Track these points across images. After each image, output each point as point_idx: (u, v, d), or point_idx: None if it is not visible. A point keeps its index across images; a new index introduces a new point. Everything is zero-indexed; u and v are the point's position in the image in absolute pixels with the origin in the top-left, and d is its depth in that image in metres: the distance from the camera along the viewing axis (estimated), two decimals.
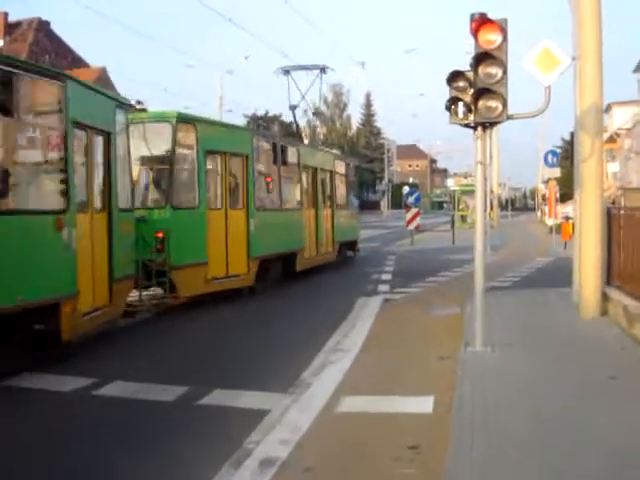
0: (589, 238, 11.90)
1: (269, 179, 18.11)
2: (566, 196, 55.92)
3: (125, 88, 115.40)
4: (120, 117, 11.97)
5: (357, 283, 18.66)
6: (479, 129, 9.45)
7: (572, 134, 14.12)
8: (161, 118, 14.68)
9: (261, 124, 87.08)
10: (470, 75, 9.24)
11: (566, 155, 49.47)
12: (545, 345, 9.85)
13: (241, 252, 15.92)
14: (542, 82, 9.39)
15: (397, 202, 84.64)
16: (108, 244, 11.05)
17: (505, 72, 9.10)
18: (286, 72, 23.36)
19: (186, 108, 69.26)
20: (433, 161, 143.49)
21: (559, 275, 19.31)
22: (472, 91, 9.21)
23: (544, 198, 78.47)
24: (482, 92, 9.18)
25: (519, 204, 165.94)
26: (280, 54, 43.43)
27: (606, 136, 70.25)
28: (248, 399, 7.70)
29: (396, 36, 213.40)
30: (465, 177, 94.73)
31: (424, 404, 7.13)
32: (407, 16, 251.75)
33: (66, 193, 9.54)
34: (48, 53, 50.28)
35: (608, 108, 70.64)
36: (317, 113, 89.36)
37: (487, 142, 9.51)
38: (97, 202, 10.89)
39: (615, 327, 10.90)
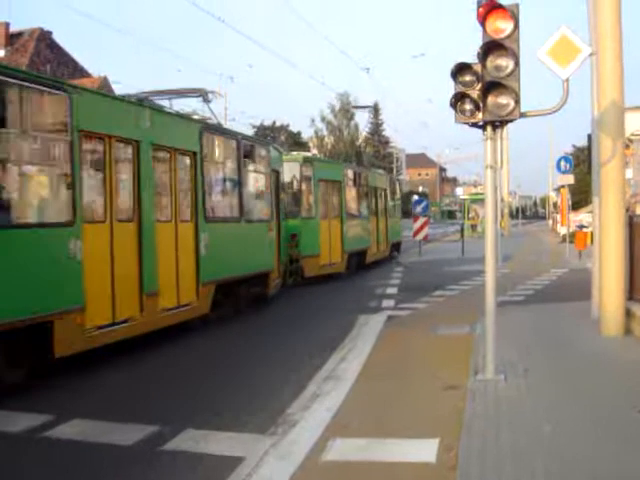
0: (611, 249, 10.81)
1: (349, 196, 25.20)
2: (578, 204, 54.91)
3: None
4: (207, 137, 13.63)
5: (360, 298, 17.57)
6: (488, 129, 8.37)
7: (589, 137, 13.02)
8: (292, 160, 21.67)
9: (268, 134, 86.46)
10: (478, 68, 8.19)
11: (577, 162, 48.44)
12: (565, 372, 8.75)
13: (337, 247, 22.99)
14: (560, 75, 8.33)
15: (406, 211, 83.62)
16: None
17: (517, 64, 8.04)
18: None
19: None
20: (442, 170, 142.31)
21: (575, 288, 18.23)
22: (480, 86, 8.17)
23: (555, 206, 77.45)
24: (491, 87, 8.12)
25: (529, 213, 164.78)
26: (286, 62, 42.52)
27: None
28: (221, 443, 6.60)
29: (403, 41, 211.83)
30: (474, 186, 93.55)
31: (426, 450, 6.01)
32: (414, 20, 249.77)
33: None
34: (50, 63, 49.45)
35: None
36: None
37: (497, 144, 8.43)
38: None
39: None
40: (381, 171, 32.87)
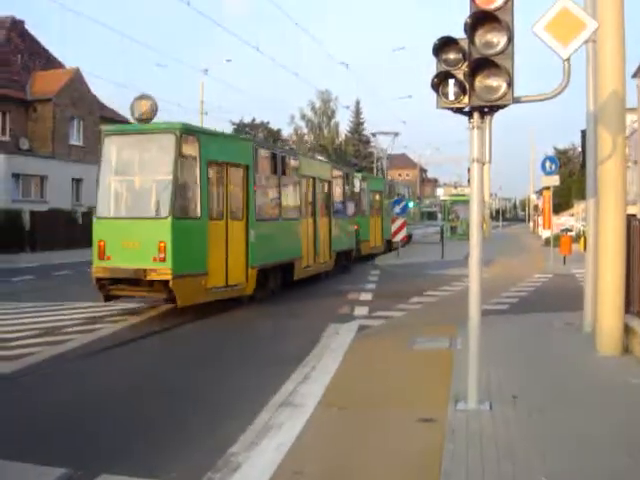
0: (609, 257, 9.61)
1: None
2: (560, 207, 53.85)
3: (100, 89, 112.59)
4: (249, 149, 16.84)
5: (332, 304, 16.25)
6: (475, 115, 7.13)
7: (583, 133, 11.85)
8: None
9: (247, 131, 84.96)
10: (465, 44, 6.96)
11: (560, 164, 47.35)
12: (560, 401, 7.52)
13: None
14: (560, 54, 7.09)
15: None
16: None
17: (511, 40, 6.82)
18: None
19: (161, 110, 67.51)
20: (423, 170, 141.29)
21: (563, 295, 17.14)
22: (467, 65, 6.93)
23: (536, 209, 76.62)
24: (480, 66, 6.88)
25: (509, 215, 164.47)
26: (264, 56, 41.09)
27: None
28: None
29: (382, 34, 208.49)
30: (455, 187, 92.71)
31: None
32: (393, 13, 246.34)
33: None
34: (21, 53, 47.77)
35: None
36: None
37: (486, 133, 7.18)
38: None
39: None
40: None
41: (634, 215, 12.54)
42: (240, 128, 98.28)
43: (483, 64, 6.85)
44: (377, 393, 8.09)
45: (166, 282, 13.48)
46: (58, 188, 43.63)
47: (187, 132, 14.47)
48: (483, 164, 7.17)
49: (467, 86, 6.92)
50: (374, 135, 39.30)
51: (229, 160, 15.64)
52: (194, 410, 7.89)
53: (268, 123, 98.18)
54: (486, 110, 7.11)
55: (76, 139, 46.98)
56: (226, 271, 15.24)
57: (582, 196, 64.88)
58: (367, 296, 17.44)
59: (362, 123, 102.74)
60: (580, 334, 11.25)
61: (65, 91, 45.79)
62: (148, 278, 13.64)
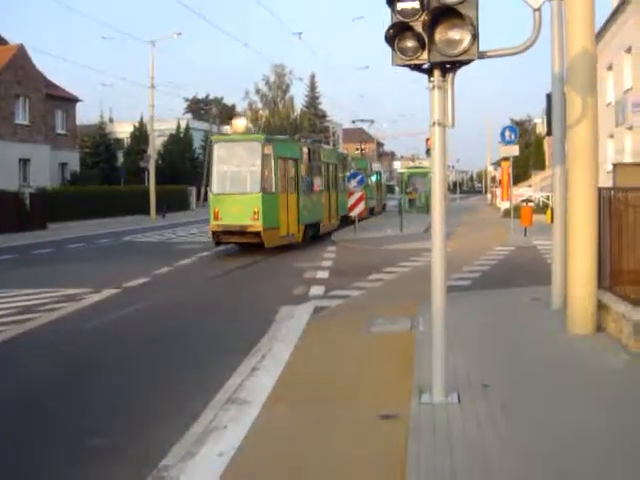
0: (579, 229, 8.93)
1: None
2: (517, 178, 53.52)
3: (46, 65, 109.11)
4: (300, 148, 25.86)
5: (285, 284, 15.42)
6: (436, 73, 6.31)
7: (549, 96, 11.10)
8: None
9: (202, 107, 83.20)
10: None
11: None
12: (534, 388, 6.82)
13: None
14: (531, 3, 6.31)
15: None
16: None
17: None
18: None
19: (106, 85, 63.77)
20: (380, 144, 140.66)
21: (526, 269, 16.57)
22: (426, 15, 6.10)
23: (493, 180, 76.35)
24: (440, 16, 6.07)
25: (466, 187, 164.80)
26: (216, 28, 39.87)
27: None
28: None
29: (341, 3, 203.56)
30: (412, 160, 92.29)
31: None
32: None
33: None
34: None
35: None
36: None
37: (448, 94, 6.38)
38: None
39: (622, 351, 7.96)
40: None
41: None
42: (193, 104, 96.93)
43: (444, 14, 6.03)
44: (332, 386, 7.31)
45: (258, 232, 21.68)
46: (3, 169, 42.03)
47: (266, 140, 23.06)
48: (445, 127, 6.38)
49: (426, 39, 6.10)
50: (353, 122, 48.57)
51: (288, 156, 24.30)
52: (122, 414, 7.03)
53: (222, 99, 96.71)
54: (448, 67, 6.30)
55: (22, 118, 45.29)
56: (288, 226, 23.46)
57: (540, 166, 64.84)
58: (323, 274, 16.64)
59: (317, 97, 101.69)
60: (549, 311, 10.59)
61: (8, 68, 44.07)
62: (248, 230, 21.82)
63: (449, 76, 6.35)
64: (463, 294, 12.64)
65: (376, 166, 49.85)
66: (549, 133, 11.26)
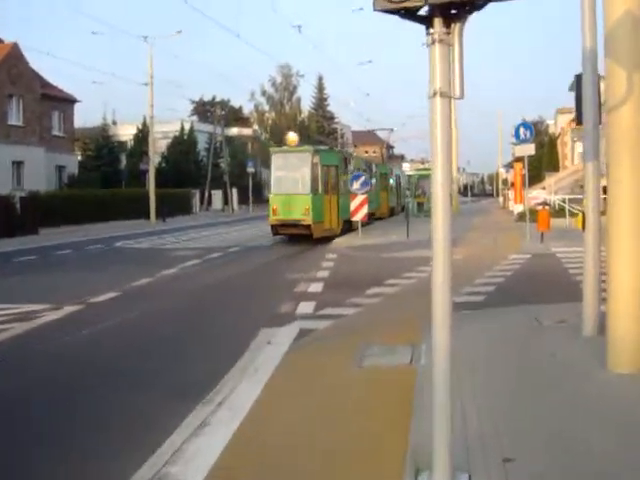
0: (629, 237, 7.02)
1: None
2: (530, 180, 51.42)
3: (41, 63, 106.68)
4: (341, 158, 31.82)
5: (271, 299, 13.47)
6: (437, 23, 4.41)
7: (578, 78, 9.19)
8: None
9: (208, 109, 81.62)
10: None
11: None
12: (575, 465, 4.91)
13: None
14: None
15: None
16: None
17: None
18: None
19: (96, 82, 62.10)
20: (390, 147, 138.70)
21: (547, 281, 14.68)
22: None
23: (505, 183, 74.32)
24: None
25: (477, 190, 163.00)
26: (215, 24, 38.00)
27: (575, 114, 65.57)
28: None
29: None
30: (422, 163, 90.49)
31: None
32: None
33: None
34: None
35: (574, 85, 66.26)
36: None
37: (455, 50, 4.49)
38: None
39: None
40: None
41: None
42: (199, 106, 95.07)
43: None
44: (298, 454, 5.41)
45: (308, 225, 26.71)
46: None
47: (314, 151, 28.28)
48: (450, 99, 4.50)
49: None
50: (373, 131, 51.61)
51: (331, 164, 29.42)
52: None
53: (229, 101, 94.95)
54: (453, 12, 4.41)
55: (15, 119, 43.70)
56: (330, 220, 28.43)
57: (553, 168, 62.92)
58: (317, 287, 14.69)
59: (326, 99, 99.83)
60: (579, 338, 8.67)
61: (2, 68, 42.47)
62: (300, 224, 26.80)
63: (455, 27, 4.45)
64: (476, 313, 10.74)
65: (396, 170, 54.85)
66: (579, 122, 9.33)
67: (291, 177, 27.62)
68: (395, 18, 4.48)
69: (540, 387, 6.77)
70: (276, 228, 27.74)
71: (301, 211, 26.67)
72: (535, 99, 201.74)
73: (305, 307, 12.28)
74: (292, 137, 29.60)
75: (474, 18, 4.47)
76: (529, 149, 23.18)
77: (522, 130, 23.23)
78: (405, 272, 16.45)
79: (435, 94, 4.42)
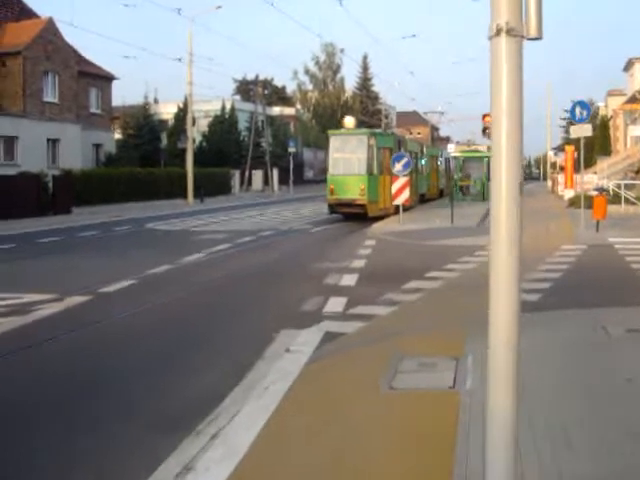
0: None
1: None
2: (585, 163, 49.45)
3: (76, 39, 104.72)
4: (395, 140, 33.12)
5: (296, 293, 12.04)
6: None
7: None
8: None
9: (251, 88, 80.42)
10: None
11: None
12: None
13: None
14: None
15: None
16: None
17: None
18: None
19: (129, 57, 61.33)
20: (435, 129, 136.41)
21: (606, 276, 13.07)
22: None
23: (554, 166, 71.87)
24: None
25: (524, 173, 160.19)
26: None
27: (628, 96, 63.33)
28: None
29: None
30: (468, 145, 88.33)
31: None
32: None
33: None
34: None
35: (629, 65, 63.80)
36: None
37: None
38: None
39: None
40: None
41: None
42: (243, 85, 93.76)
43: None
44: None
45: (363, 205, 27.83)
46: (31, 150, 39.50)
47: (370, 134, 29.74)
48: (521, 39, 3.03)
49: None
50: (425, 113, 59.48)
51: (386, 145, 30.48)
52: None
53: (272, 80, 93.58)
54: None
55: (51, 95, 42.76)
56: (384, 201, 28.96)
57: (605, 152, 60.56)
58: (350, 279, 13.21)
59: (370, 79, 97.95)
60: None
61: (36, 43, 41.52)
62: (355, 203, 27.88)
63: None
64: (532, 318, 9.22)
65: (446, 153, 54.93)
66: None
67: (348, 159, 28.85)
68: None
69: (623, 433, 5.25)
70: (333, 207, 29.00)
71: (357, 191, 27.76)
72: (583, 80, 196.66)
73: (334, 304, 10.82)
74: (349, 121, 30.83)
75: None
76: (586, 130, 21.42)
77: (578, 109, 21.43)
78: (448, 263, 14.92)
79: (499, 32, 2.96)
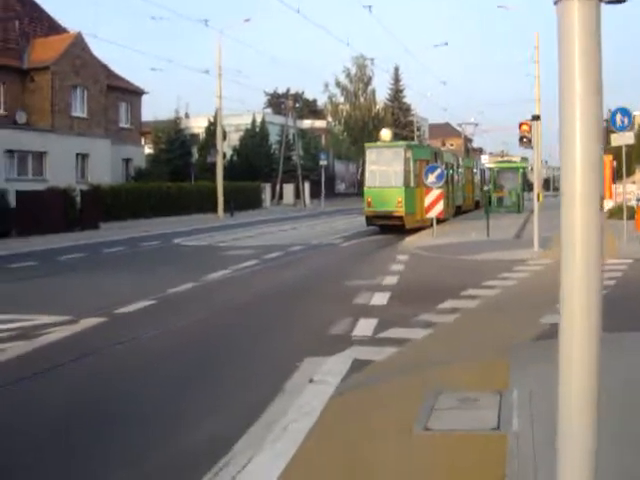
0: None
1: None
2: (618, 173, 48.12)
3: (105, 53, 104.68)
4: (432, 152, 33.59)
5: (323, 315, 11.24)
6: None
7: None
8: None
9: (282, 102, 79.98)
10: None
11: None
12: None
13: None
14: None
15: None
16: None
17: None
18: None
19: (156, 70, 60.57)
20: (468, 140, 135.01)
21: None
22: None
23: None
24: None
25: (558, 184, 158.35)
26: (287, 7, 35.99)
27: None
28: None
29: None
30: (502, 156, 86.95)
31: None
32: None
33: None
34: (19, 19, 43.33)
35: None
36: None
37: None
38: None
39: None
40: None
41: None
42: (274, 98, 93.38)
43: None
44: None
45: (401, 217, 28.04)
46: (59, 165, 39.30)
47: (407, 146, 29.98)
48: (598, 1, 2.25)
49: None
50: (459, 125, 59.37)
51: (422, 157, 30.40)
52: None
53: (303, 93, 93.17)
54: None
55: (79, 110, 42.56)
56: (421, 212, 27.69)
57: None
58: (381, 298, 12.38)
59: (402, 90, 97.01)
60: None
61: (65, 58, 41.38)
62: (393, 215, 28.16)
63: None
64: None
65: (480, 164, 55.65)
66: None
67: (384, 171, 28.96)
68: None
69: None
70: (370, 219, 29.17)
71: (394, 203, 27.97)
72: (618, 87, 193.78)
73: (364, 326, 10.00)
74: (385, 133, 31.01)
75: None
76: (628, 138, 20.41)
77: (619, 116, 20.41)
78: (486, 279, 14.04)
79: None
